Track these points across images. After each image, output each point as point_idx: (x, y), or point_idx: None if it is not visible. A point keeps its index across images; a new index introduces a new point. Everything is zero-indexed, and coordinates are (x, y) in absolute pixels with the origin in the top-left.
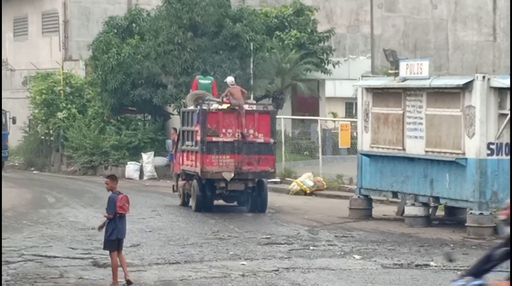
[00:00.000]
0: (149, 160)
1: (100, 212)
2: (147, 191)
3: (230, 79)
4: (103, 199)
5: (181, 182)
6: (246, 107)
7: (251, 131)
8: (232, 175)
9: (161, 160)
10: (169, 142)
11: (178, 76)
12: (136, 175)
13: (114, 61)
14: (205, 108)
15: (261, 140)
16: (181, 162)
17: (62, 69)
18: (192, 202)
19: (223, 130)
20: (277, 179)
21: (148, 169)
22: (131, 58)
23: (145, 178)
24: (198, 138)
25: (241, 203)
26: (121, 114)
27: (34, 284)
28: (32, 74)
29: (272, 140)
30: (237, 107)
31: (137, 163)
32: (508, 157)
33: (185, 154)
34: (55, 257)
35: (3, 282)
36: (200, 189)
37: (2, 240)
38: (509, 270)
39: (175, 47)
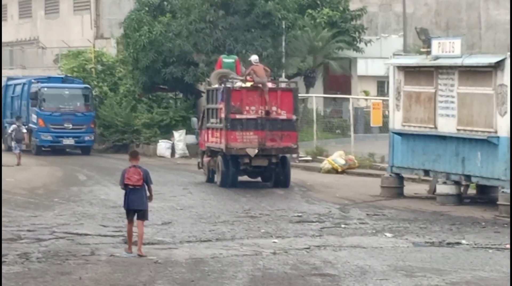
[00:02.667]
0: (180, 138)
1: None
2: (178, 169)
3: (254, 58)
4: None
5: (206, 159)
6: (269, 84)
7: (274, 108)
8: (256, 151)
9: (193, 138)
10: (194, 120)
11: (210, 54)
12: (167, 153)
13: (145, 39)
14: (229, 86)
15: (284, 117)
16: (206, 139)
17: (94, 47)
18: (217, 178)
19: (247, 108)
20: (309, 158)
21: (180, 147)
22: (162, 36)
23: (176, 156)
24: (223, 115)
25: (264, 179)
26: (152, 92)
27: (66, 262)
28: (63, 52)
29: (294, 117)
30: (260, 85)
31: (168, 141)
32: None
33: (210, 131)
34: (86, 234)
35: (35, 259)
36: (225, 165)
37: (34, 218)
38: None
39: (207, 25)
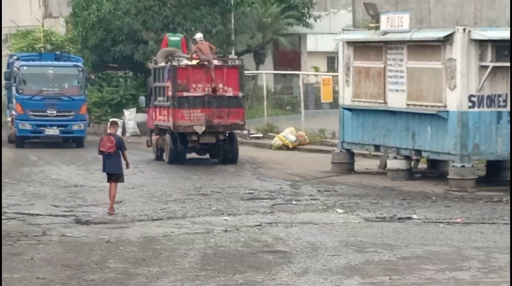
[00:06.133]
0: (131, 116)
1: (83, 169)
2: (129, 148)
3: (198, 36)
4: (85, 157)
5: (154, 137)
6: (215, 62)
7: (221, 86)
8: (203, 128)
9: (144, 117)
10: (142, 98)
11: (159, 32)
12: (118, 132)
13: (94, 17)
14: (175, 64)
15: (230, 94)
16: (154, 118)
17: (43, 26)
18: (165, 156)
19: (193, 85)
20: (260, 134)
21: (131, 126)
22: (111, 15)
23: (127, 134)
24: (170, 93)
25: (213, 156)
26: (102, 71)
27: (17, 242)
28: (12, 32)
29: (241, 94)
30: (206, 63)
31: (119, 120)
32: (489, 109)
33: (157, 110)
34: (37, 215)
35: None
36: (173, 142)
37: None
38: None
39: (155, 3)
